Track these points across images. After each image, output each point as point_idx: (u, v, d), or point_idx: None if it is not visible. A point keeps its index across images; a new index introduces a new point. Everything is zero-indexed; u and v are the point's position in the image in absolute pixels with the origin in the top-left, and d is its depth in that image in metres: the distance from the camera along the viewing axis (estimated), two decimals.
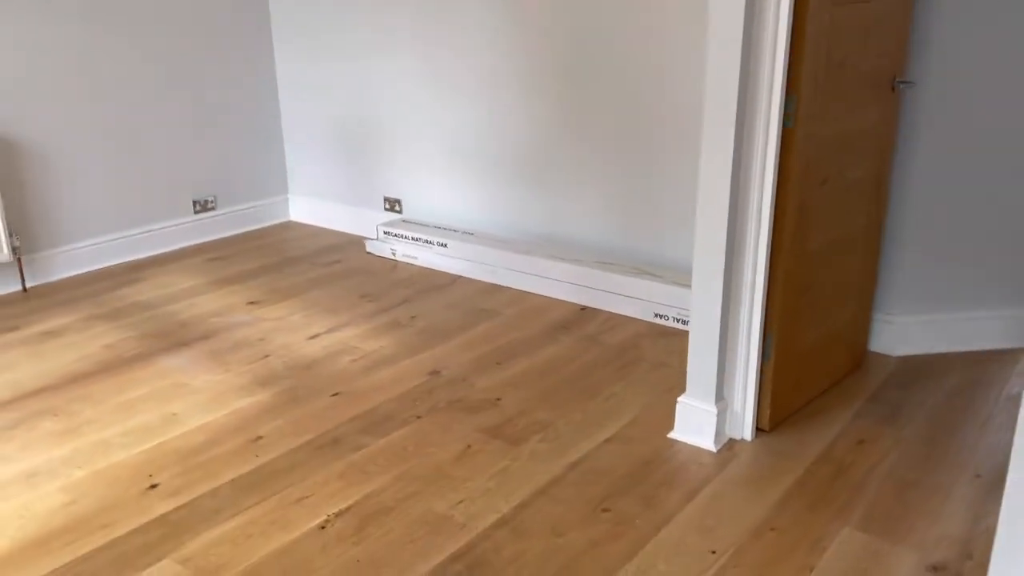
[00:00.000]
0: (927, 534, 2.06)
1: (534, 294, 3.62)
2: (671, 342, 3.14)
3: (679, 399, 2.50)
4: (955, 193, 2.87)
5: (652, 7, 3.27)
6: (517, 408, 2.68)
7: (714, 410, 2.43)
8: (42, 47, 3.66)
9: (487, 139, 3.88)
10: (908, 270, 2.95)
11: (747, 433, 2.48)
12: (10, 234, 3.59)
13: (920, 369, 2.90)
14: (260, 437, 2.52)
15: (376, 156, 4.33)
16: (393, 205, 4.33)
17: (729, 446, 2.46)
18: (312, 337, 3.20)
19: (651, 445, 2.46)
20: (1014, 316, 2.99)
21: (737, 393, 2.47)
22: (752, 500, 2.20)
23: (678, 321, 3.26)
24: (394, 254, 4.07)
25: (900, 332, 2.99)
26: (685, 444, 2.47)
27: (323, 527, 2.11)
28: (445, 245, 3.88)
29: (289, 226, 4.67)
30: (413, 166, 4.20)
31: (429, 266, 3.95)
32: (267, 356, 3.05)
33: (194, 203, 4.34)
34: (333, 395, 2.76)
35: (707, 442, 2.45)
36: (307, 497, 2.23)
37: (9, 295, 3.67)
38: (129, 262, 4.08)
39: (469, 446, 2.46)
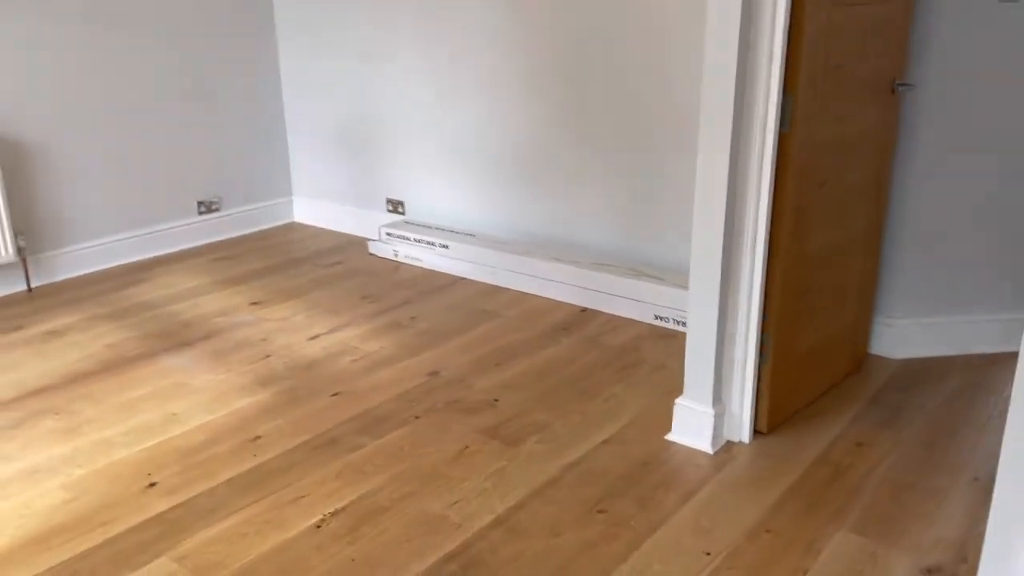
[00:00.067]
0: (923, 537, 2.05)
1: (535, 295, 3.62)
2: (671, 344, 3.14)
3: (676, 401, 2.50)
4: (955, 196, 2.86)
5: (654, 7, 3.27)
6: (515, 409, 2.68)
7: (711, 412, 2.43)
8: (48, 48, 3.69)
9: (489, 141, 3.89)
10: (908, 273, 2.94)
11: (745, 435, 2.48)
12: (15, 234, 3.62)
13: (920, 372, 2.90)
14: (259, 437, 2.53)
15: (379, 158, 4.34)
16: (396, 206, 4.35)
17: (726, 448, 2.46)
18: (313, 338, 3.21)
19: (648, 447, 2.47)
20: (1015, 319, 2.98)
21: (735, 395, 2.47)
22: (748, 502, 2.20)
23: (678, 323, 3.26)
24: (396, 255, 4.08)
25: (900, 335, 2.99)
26: (682, 446, 2.47)
27: (319, 526, 2.12)
28: (447, 246, 3.89)
29: (293, 227, 4.69)
30: (416, 168, 4.21)
31: (431, 267, 3.96)
32: (268, 356, 3.06)
33: (198, 204, 4.36)
34: (332, 395, 2.78)
35: (704, 444, 2.45)
36: (303, 497, 2.24)
37: (14, 295, 3.70)
38: (134, 262, 4.10)
39: (466, 447, 2.47)
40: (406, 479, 2.31)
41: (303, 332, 3.27)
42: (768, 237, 2.32)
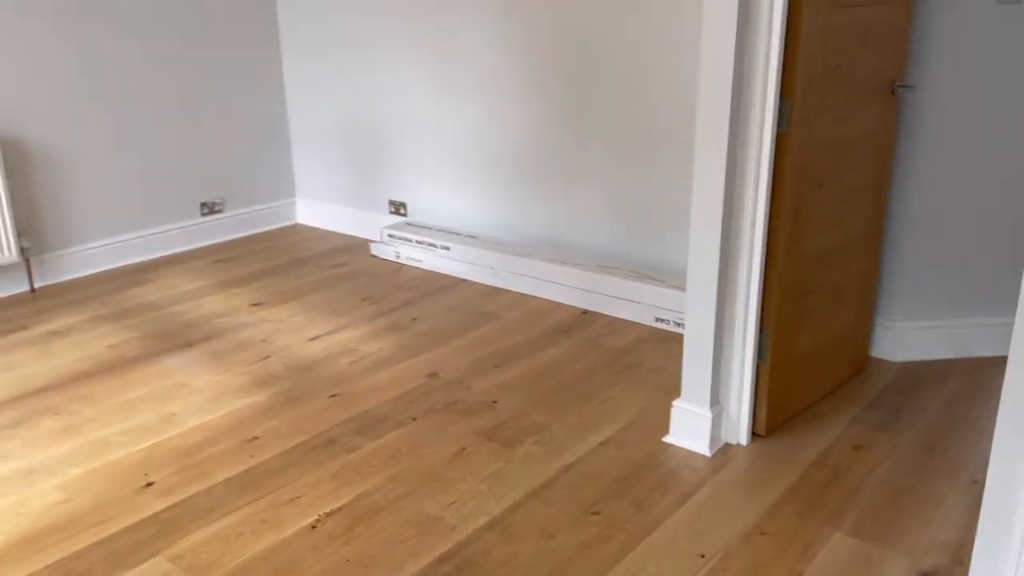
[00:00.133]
0: (919, 540, 2.04)
1: (535, 297, 3.62)
2: (671, 346, 3.13)
3: (674, 403, 2.49)
4: (956, 198, 2.85)
5: (655, 8, 3.27)
6: (513, 411, 2.68)
7: (709, 414, 2.42)
8: (52, 50, 3.71)
9: (489, 142, 3.89)
10: (909, 275, 2.93)
11: (743, 438, 2.47)
12: (19, 235, 3.64)
13: (921, 375, 2.88)
14: (256, 437, 2.53)
15: (382, 159, 4.35)
16: (398, 208, 4.35)
17: (724, 450, 2.45)
18: (313, 339, 3.22)
19: (645, 449, 2.46)
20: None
21: (732, 398, 2.46)
22: (744, 504, 2.19)
23: (679, 325, 3.25)
24: (398, 257, 4.09)
25: (901, 338, 2.97)
26: (680, 448, 2.46)
27: (314, 527, 2.12)
28: (448, 248, 3.89)
29: (296, 229, 4.70)
30: (418, 169, 4.22)
31: (432, 269, 3.96)
32: (268, 357, 3.07)
33: (202, 205, 4.38)
34: (331, 396, 2.78)
35: (702, 446, 2.44)
36: (299, 497, 2.24)
37: (18, 295, 3.71)
38: (137, 263, 4.12)
39: (463, 448, 2.47)
40: (403, 480, 2.31)
41: (303, 333, 3.27)
42: (766, 238, 2.32)
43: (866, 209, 2.70)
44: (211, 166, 4.38)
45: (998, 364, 2.94)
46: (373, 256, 4.18)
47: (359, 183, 4.49)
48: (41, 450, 2.48)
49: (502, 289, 3.72)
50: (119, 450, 2.47)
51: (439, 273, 3.93)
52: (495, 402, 2.73)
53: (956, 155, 2.80)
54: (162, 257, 4.22)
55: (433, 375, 2.92)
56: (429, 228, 4.10)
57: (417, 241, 4.00)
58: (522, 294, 3.66)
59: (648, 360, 3.03)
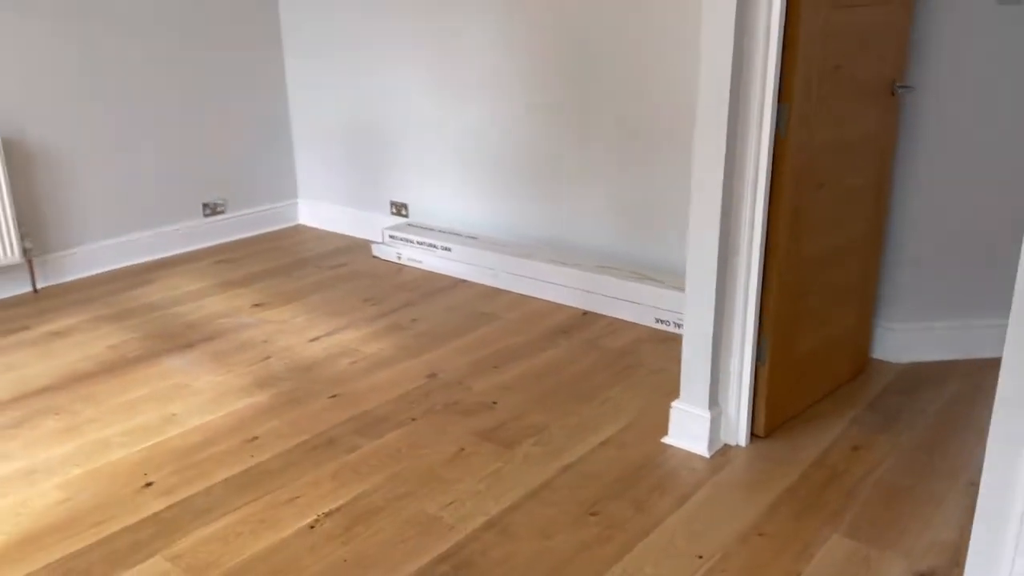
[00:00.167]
0: (917, 541, 2.04)
1: (536, 298, 3.62)
2: (671, 347, 3.13)
3: (672, 404, 2.49)
4: (957, 199, 2.84)
5: (656, 9, 3.27)
6: (512, 411, 2.68)
7: (707, 415, 2.42)
8: (55, 50, 3.73)
9: (490, 143, 3.90)
10: (910, 277, 2.93)
11: (742, 439, 2.47)
12: (21, 236, 3.66)
13: (921, 376, 2.88)
14: (256, 438, 2.54)
15: (384, 160, 4.36)
16: (400, 209, 4.36)
17: (723, 451, 2.45)
18: (313, 339, 3.23)
19: (644, 450, 2.46)
20: None
21: (731, 399, 2.46)
22: (742, 505, 2.19)
23: (679, 326, 3.25)
24: (399, 258, 4.09)
25: (902, 339, 2.97)
26: (678, 449, 2.46)
27: (312, 527, 2.12)
28: (449, 249, 3.89)
29: (298, 230, 4.71)
30: (420, 170, 4.22)
31: (432, 270, 3.97)
32: (268, 358, 3.07)
33: (204, 206, 4.39)
34: (331, 397, 2.79)
35: (701, 447, 2.44)
36: (298, 497, 2.25)
37: (21, 296, 3.73)
38: (139, 264, 4.13)
39: (462, 448, 2.47)
40: (401, 480, 2.32)
41: (304, 334, 3.28)
42: (765, 239, 2.32)
43: (866, 210, 2.70)
44: (213, 167, 4.39)
45: (999, 366, 2.93)
46: (375, 257, 4.19)
47: (361, 184, 4.49)
48: (42, 450, 2.49)
49: (502, 290, 3.72)
50: (120, 450, 2.48)
51: (439, 274, 3.93)
52: (495, 403, 2.74)
53: (956, 156, 2.80)
54: (164, 258, 4.23)
55: (433, 376, 2.93)
56: (430, 229, 4.11)
57: (418, 242, 4.01)
58: (522, 295, 3.66)
59: (648, 361, 3.04)
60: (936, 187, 2.83)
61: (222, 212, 4.47)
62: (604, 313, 3.45)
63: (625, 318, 3.39)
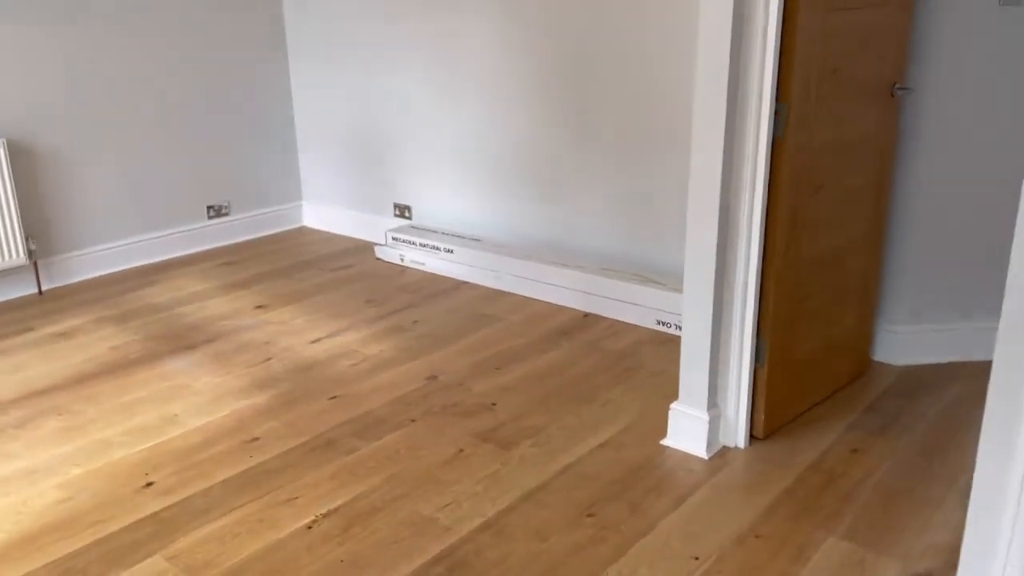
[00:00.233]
0: (913, 544, 2.03)
1: (537, 300, 3.63)
2: (672, 349, 3.13)
3: (671, 406, 2.49)
4: (957, 199, 2.83)
5: (655, 10, 3.28)
6: (512, 413, 2.69)
7: (706, 417, 2.42)
8: (59, 53, 3.75)
9: (493, 146, 3.90)
10: (910, 278, 2.92)
11: (740, 440, 2.47)
12: (26, 238, 3.68)
13: (922, 379, 2.87)
14: (256, 438, 2.55)
15: (387, 162, 4.37)
16: (403, 211, 4.37)
17: (721, 453, 2.44)
18: (314, 341, 3.24)
19: (643, 451, 2.46)
20: None
21: (730, 400, 2.46)
22: (739, 507, 2.19)
23: (679, 328, 3.25)
24: (402, 260, 4.11)
25: (903, 341, 2.96)
26: (677, 451, 2.46)
27: (310, 527, 2.13)
28: (451, 251, 3.90)
29: (302, 232, 4.72)
30: (423, 172, 4.23)
31: (435, 272, 3.98)
32: (269, 359, 3.09)
33: (208, 208, 4.41)
34: (331, 398, 2.79)
35: (699, 449, 2.44)
36: (296, 497, 2.25)
37: (25, 297, 3.75)
38: (143, 266, 4.15)
39: (461, 450, 2.48)
40: (400, 481, 2.33)
41: (305, 335, 3.29)
42: (763, 241, 2.32)
43: (866, 211, 2.69)
44: (217, 169, 4.41)
45: None
46: (378, 259, 4.20)
47: (365, 186, 4.51)
48: (44, 450, 2.51)
49: (504, 292, 3.73)
50: (120, 450, 2.50)
51: (442, 276, 3.94)
52: (494, 404, 2.74)
53: (957, 156, 2.79)
54: (168, 260, 4.25)
55: (433, 377, 2.93)
56: (432, 231, 4.12)
57: (420, 244, 4.02)
58: (524, 297, 3.67)
59: (649, 363, 3.03)
60: (936, 187, 2.82)
61: (226, 214, 4.49)
62: (605, 315, 3.45)
63: (626, 320, 3.39)
